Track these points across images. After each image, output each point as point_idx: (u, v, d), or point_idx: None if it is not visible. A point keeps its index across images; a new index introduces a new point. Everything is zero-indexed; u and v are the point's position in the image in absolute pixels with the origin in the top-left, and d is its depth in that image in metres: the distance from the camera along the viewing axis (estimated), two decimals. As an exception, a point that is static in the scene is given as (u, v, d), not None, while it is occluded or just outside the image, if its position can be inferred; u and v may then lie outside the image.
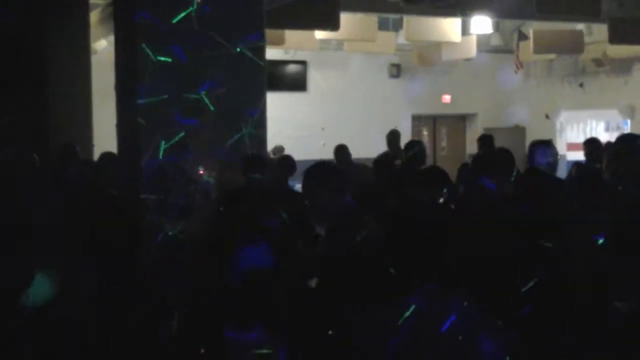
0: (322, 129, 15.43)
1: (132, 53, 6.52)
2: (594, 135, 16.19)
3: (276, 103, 13.04)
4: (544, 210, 4.50)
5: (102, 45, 11.60)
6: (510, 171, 3.27)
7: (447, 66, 16.04)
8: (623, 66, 15.17)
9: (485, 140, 9.43)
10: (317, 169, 3.81)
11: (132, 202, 4.59)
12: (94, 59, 9.77)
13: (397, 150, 9.64)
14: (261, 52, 6.76)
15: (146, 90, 6.35)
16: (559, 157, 5.83)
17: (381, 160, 7.19)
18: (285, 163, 7.15)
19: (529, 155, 5.86)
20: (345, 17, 10.59)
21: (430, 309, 2.34)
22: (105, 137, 8.35)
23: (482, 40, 14.49)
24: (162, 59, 6.26)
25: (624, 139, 5.37)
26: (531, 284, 3.08)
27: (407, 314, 2.30)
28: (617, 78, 15.45)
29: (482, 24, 12.06)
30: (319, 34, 11.89)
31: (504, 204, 3.35)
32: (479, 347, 2.23)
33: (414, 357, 2.27)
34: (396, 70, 16.80)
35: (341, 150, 9.27)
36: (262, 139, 6.76)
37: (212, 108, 6.38)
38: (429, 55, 15.31)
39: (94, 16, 10.25)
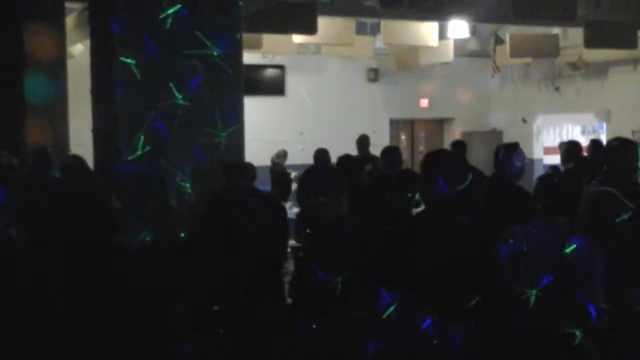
0: (301, 133, 15.44)
1: (107, 57, 6.48)
2: (570, 138, 16.38)
3: (254, 107, 13.01)
4: (495, 217, 4.55)
5: (79, 50, 11.53)
6: (461, 176, 3.27)
7: (424, 70, 16.11)
8: (599, 70, 15.31)
9: (457, 145, 9.49)
10: None
11: (107, 205, 4.57)
12: (70, 63, 9.70)
13: (367, 155, 9.69)
14: (238, 56, 6.75)
15: (122, 94, 6.32)
16: (527, 160, 5.86)
17: (343, 161, 7.18)
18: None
19: (495, 159, 5.86)
20: (322, 22, 10.61)
21: (406, 312, 2.35)
22: (81, 141, 8.29)
23: (460, 45, 14.58)
24: (138, 63, 6.22)
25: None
26: (477, 299, 3.11)
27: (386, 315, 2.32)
28: (593, 82, 15.58)
29: (459, 28, 12.14)
30: (297, 38, 11.90)
31: (454, 209, 3.39)
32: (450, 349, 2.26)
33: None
34: (374, 75, 16.84)
35: (321, 155, 9.26)
36: (239, 144, 6.74)
37: (188, 112, 6.35)
38: (407, 59, 15.38)
39: (70, 20, 10.18)
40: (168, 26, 6.26)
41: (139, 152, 6.05)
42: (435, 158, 3.47)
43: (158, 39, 6.26)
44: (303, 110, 15.71)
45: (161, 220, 3.53)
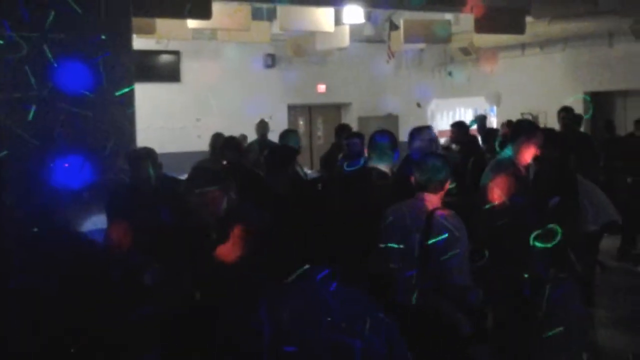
0: (197, 120, 15.24)
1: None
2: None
3: (148, 94, 12.76)
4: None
5: None
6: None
7: (321, 56, 16.16)
8: (489, 55, 15.75)
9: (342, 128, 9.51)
10: None
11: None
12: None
13: (266, 139, 9.67)
14: (128, 41, 6.55)
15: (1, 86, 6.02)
16: (432, 141, 5.97)
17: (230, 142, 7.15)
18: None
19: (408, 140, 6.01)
20: (218, 6, 10.45)
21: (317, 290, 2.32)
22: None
23: (355, 30, 14.67)
24: (16, 54, 5.93)
25: None
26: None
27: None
28: (484, 67, 16.03)
29: (354, 13, 12.19)
30: (192, 23, 11.68)
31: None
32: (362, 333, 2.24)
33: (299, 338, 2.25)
34: (271, 60, 16.78)
35: (218, 138, 9.13)
36: (130, 132, 6.55)
37: (75, 101, 6.12)
38: (303, 45, 15.38)
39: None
40: (49, 12, 5.98)
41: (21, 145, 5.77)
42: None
43: (39, 25, 5.96)
44: (199, 96, 15.50)
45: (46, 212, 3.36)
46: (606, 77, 13.82)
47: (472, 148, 8.45)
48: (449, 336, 3.99)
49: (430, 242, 3.98)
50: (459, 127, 8.96)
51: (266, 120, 10.48)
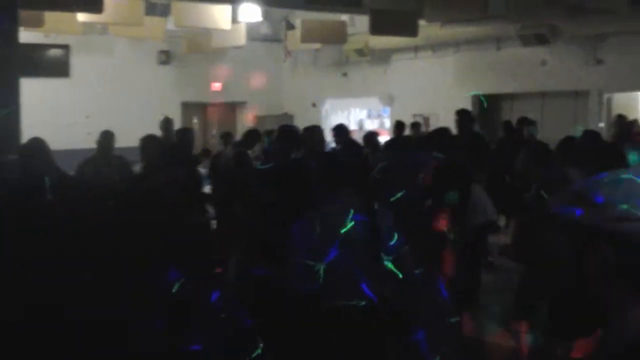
0: (87, 116, 14.77)
1: None
2: (358, 121, 17.05)
3: (35, 89, 12.28)
4: None
5: None
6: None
7: (217, 54, 15.99)
8: (383, 56, 16.00)
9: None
10: None
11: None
12: None
13: (170, 136, 9.49)
14: (13, 34, 6.27)
15: None
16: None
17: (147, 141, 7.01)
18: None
19: None
20: (110, 0, 10.15)
21: None
22: None
23: (252, 29, 14.60)
24: None
25: None
26: None
27: None
28: (378, 68, 16.27)
29: (251, 12, 12.11)
30: (82, 17, 11.32)
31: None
32: None
33: None
34: (165, 57, 16.49)
35: (107, 136, 8.85)
36: (15, 127, 6.28)
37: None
38: (199, 42, 15.16)
39: None
40: None
41: None
42: None
43: None
44: (90, 92, 15.06)
45: None
46: (495, 80, 14.30)
47: (352, 149, 8.71)
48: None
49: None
50: (339, 130, 9.21)
51: (159, 118, 10.24)
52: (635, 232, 1.33)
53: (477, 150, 8.25)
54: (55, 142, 8.38)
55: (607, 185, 1.41)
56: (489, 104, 14.48)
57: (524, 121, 10.55)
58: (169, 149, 5.53)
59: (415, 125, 12.37)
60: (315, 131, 7.19)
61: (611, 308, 1.36)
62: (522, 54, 13.42)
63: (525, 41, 12.86)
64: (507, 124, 11.20)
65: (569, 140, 6.18)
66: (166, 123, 9.86)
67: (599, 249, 1.38)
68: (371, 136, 9.82)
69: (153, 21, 13.21)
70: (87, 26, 12.86)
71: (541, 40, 12.63)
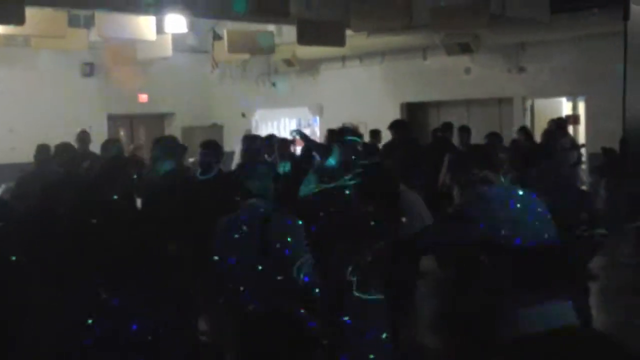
0: (10, 130, 14.38)
1: None
2: (287, 131, 17.06)
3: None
4: None
5: None
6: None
7: (143, 65, 15.79)
8: (311, 66, 16.08)
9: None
10: None
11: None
12: None
13: (87, 150, 9.31)
14: None
15: None
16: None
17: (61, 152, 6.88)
18: None
19: None
20: (31, 12, 9.91)
21: None
22: None
23: (178, 40, 14.46)
24: None
25: None
26: None
27: None
28: (306, 78, 16.35)
29: (176, 23, 11.99)
30: (3, 29, 11.04)
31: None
32: None
33: None
34: (89, 69, 16.18)
35: (43, 149, 8.65)
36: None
37: None
38: (123, 53, 14.94)
39: None
40: None
41: None
42: None
43: None
44: (12, 106, 14.65)
45: None
46: (421, 89, 14.56)
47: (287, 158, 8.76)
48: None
49: (269, 244, 4.09)
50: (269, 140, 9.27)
51: (86, 130, 10.06)
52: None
53: (413, 157, 8.38)
54: (-23, 157, 8.25)
55: (480, 201, 1.50)
56: (415, 112, 14.74)
57: (448, 127, 10.80)
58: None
59: (374, 134, 11.60)
60: (256, 140, 7.20)
61: (500, 308, 1.45)
62: (447, 62, 13.69)
63: (450, 50, 13.13)
64: (434, 132, 11.41)
65: (478, 146, 6.35)
66: (82, 134, 9.70)
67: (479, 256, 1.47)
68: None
69: (76, 32, 12.96)
70: (8, 38, 12.54)
71: (465, 49, 12.92)
